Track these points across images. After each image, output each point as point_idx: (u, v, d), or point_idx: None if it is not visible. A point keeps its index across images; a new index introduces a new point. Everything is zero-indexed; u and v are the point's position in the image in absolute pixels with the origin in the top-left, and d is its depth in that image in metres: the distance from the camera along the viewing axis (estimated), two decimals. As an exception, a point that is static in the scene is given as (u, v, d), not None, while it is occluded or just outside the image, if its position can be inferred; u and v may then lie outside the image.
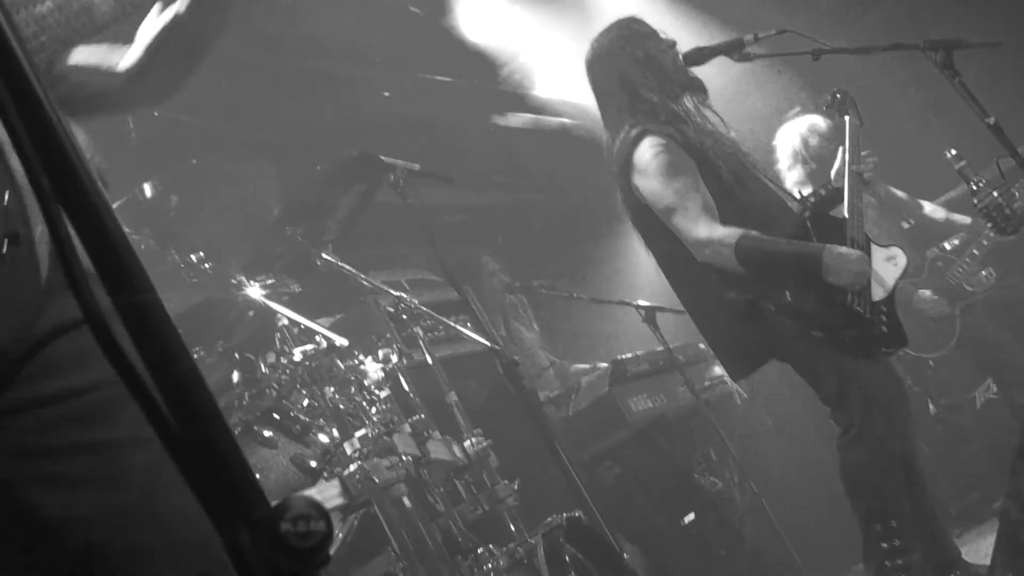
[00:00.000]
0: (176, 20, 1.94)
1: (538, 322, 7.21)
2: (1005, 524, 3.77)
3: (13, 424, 1.53)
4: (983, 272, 5.88)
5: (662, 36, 4.28)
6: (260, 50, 6.16)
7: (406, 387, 4.41)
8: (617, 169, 4.10)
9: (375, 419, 3.72)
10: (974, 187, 5.28)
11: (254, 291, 3.86)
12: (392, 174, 4.58)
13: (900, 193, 6.07)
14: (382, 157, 4.61)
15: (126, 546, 1.55)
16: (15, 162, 1.47)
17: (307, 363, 3.73)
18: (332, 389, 3.75)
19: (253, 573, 0.86)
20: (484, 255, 7.40)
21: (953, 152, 5.41)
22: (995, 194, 5.21)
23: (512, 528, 4.10)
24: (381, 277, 5.25)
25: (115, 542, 1.54)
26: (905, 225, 6.07)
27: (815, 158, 5.87)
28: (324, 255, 4.35)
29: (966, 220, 5.98)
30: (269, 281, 3.96)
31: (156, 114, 4.53)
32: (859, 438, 3.92)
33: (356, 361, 3.89)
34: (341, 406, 3.75)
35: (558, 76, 8.11)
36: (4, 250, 1.47)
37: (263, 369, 3.78)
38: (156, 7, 1.96)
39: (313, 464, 3.61)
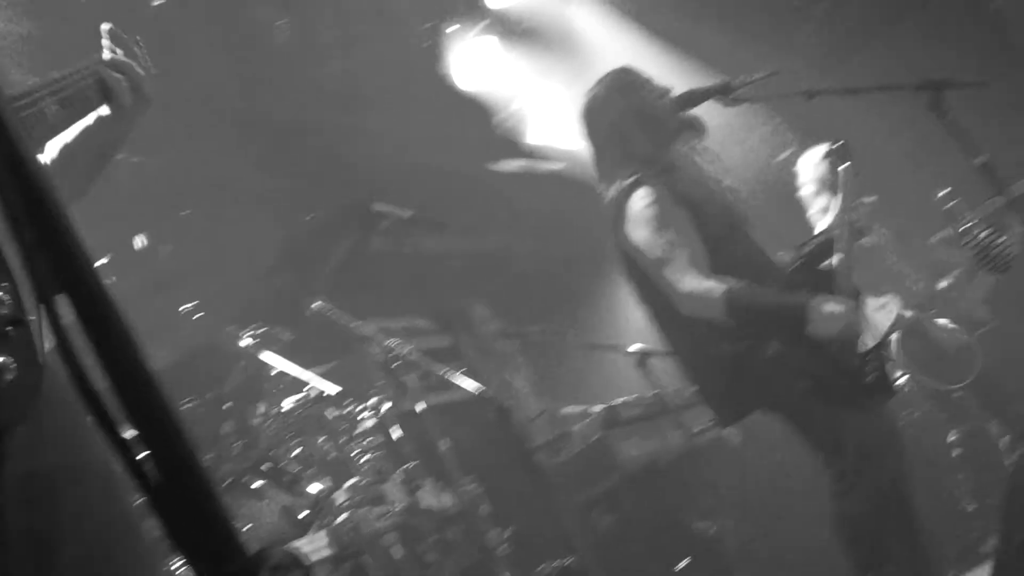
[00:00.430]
0: (99, 122, 2.18)
1: (531, 368, 7.22)
2: (999, 568, 3.76)
3: None
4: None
5: (655, 84, 4.30)
6: (254, 99, 6.21)
7: (398, 435, 4.40)
8: (611, 218, 4.12)
9: (366, 468, 3.71)
10: (962, 227, 5.33)
11: (245, 341, 3.87)
12: (385, 222, 4.61)
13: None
14: (375, 205, 4.64)
15: None
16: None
17: (298, 412, 3.73)
18: (323, 438, 3.75)
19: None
20: (476, 303, 7.41)
21: (944, 192, 5.46)
22: (982, 234, 5.25)
23: (504, 576, 4.08)
24: (373, 325, 5.26)
25: None
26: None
27: (825, 191, 5.90)
28: (316, 303, 4.36)
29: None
30: (261, 330, 3.97)
31: (147, 163, 4.56)
32: (852, 487, 3.91)
33: (347, 410, 3.89)
34: (332, 455, 3.75)
35: (551, 123, 8.16)
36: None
37: (253, 419, 3.78)
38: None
39: (303, 514, 3.60)
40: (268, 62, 6.21)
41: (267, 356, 3.88)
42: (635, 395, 6.06)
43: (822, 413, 3.89)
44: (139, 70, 2.21)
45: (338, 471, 3.72)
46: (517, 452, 4.33)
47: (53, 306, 0.95)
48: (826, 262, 4.11)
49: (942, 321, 5.83)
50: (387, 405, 4.07)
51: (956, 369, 5.77)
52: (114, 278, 3.72)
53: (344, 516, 3.46)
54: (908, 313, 5.76)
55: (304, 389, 3.87)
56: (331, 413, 3.83)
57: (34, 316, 1.48)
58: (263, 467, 3.69)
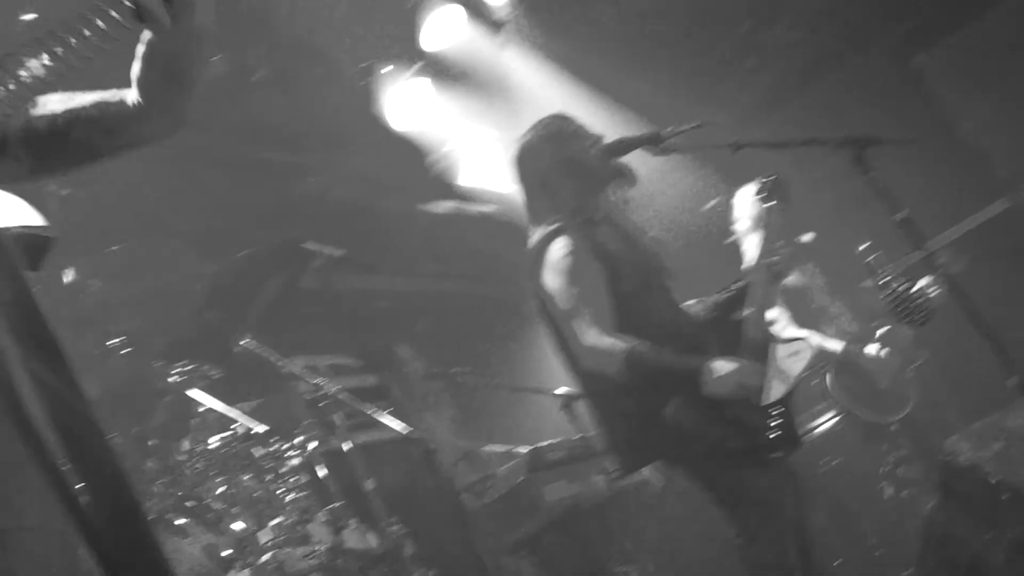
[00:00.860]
0: (149, 46, 2.11)
1: (457, 409, 7.23)
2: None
3: None
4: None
5: (587, 132, 4.34)
6: (188, 134, 6.18)
7: (323, 474, 4.39)
8: (530, 262, 4.15)
9: (291, 507, 3.71)
10: (883, 281, 5.45)
11: (172, 377, 3.85)
12: (315, 261, 4.63)
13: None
14: (306, 244, 4.65)
15: None
16: None
17: (223, 450, 3.72)
18: (248, 476, 3.74)
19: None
20: (404, 343, 7.41)
21: (865, 246, 5.59)
22: (900, 288, 5.38)
23: (427, 618, 4.08)
24: (301, 362, 5.25)
25: None
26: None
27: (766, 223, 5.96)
28: (244, 341, 4.36)
29: None
30: (188, 367, 3.95)
31: (79, 196, 4.53)
32: (753, 541, 3.96)
33: (273, 448, 3.88)
34: (257, 493, 3.73)
35: (483, 165, 8.23)
36: None
37: (177, 456, 3.75)
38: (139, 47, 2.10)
39: (225, 553, 3.58)
40: (201, 97, 6.19)
41: (194, 393, 3.87)
42: (560, 438, 6.10)
43: (718, 472, 3.94)
44: None
45: (263, 510, 3.71)
46: (442, 493, 4.34)
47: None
48: (739, 312, 4.18)
49: (874, 351, 5.87)
50: (313, 444, 4.07)
51: (891, 402, 5.83)
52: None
53: (268, 555, 3.45)
54: (839, 346, 5.81)
55: (230, 427, 3.85)
56: (257, 451, 3.82)
57: None
58: (187, 504, 3.67)
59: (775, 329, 5.78)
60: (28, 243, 1.95)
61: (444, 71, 7.72)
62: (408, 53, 7.49)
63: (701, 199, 8.95)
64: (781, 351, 3.93)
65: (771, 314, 5.70)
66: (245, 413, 4.12)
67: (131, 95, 2.15)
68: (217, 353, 4.36)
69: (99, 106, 2.08)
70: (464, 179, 8.19)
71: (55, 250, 4.45)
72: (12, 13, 4.17)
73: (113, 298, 3.92)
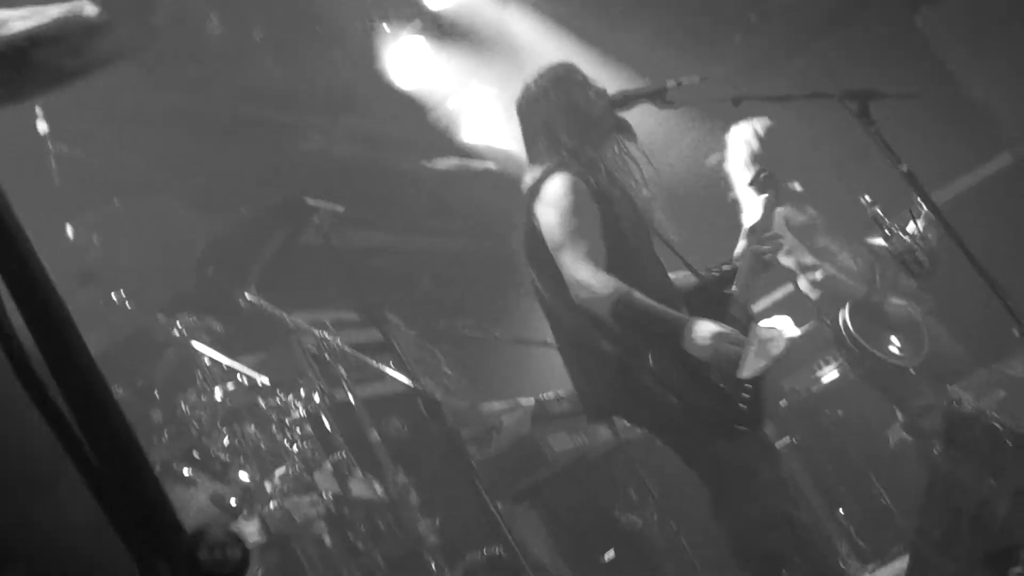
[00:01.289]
0: None
1: (461, 361, 7.23)
2: (916, 562, 3.87)
3: None
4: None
5: (592, 83, 4.33)
6: (185, 94, 6.17)
7: (328, 426, 4.42)
8: (526, 199, 4.14)
9: (296, 457, 3.73)
10: (887, 233, 5.43)
11: (176, 330, 3.86)
12: (317, 216, 4.62)
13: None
14: (306, 200, 4.65)
15: None
16: None
17: (228, 401, 3.73)
18: (253, 427, 3.76)
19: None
20: (407, 297, 7.43)
21: (867, 198, 5.55)
22: (908, 240, 5.36)
23: (433, 566, 4.12)
24: (305, 317, 5.26)
25: None
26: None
27: (760, 162, 5.93)
28: (247, 295, 4.36)
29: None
30: (191, 320, 3.96)
31: (80, 154, 4.53)
32: (729, 504, 4.00)
33: (278, 399, 3.90)
34: (262, 444, 3.75)
35: (485, 122, 8.21)
36: None
37: (183, 407, 3.77)
38: None
39: (233, 502, 3.61)
40: (199, 57, 6.18)
41: (198, 345, 3.88)
42: (563, 390, 6.12)
43: (689, 436, 3.96)
44: None
45: (268, 460, 3.73)
46: (446, 445, 4.36)
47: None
48: (726, 290, 4.19)
49: (895, 295, 5.79)
50: (317, 396, 4.08)
51: (909, 345, 5.72)
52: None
53: (274, 504, 3.47)
54: (854, 284, 5.74)
55: (235, 379, 3.86)
56: (262, 403, 3.83)
57: None
58: (193, 455, 3.70)
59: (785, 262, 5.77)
60: None
61: (446, 28, 7.70)
62: (410, 10, 7.46)
63: (704, 154, 8.92)
64: (761, 332, 3.93)
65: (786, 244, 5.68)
66: (249, 366, 4.13)
67: (89, 6, 1.88)
68: (220, 307, 4.37)
69: (60, 22, 1.88)
70: (466, 135, 8.19)
71: (57, 209, 4.46)
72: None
73: (114, 254, 3.92)
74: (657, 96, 4.16)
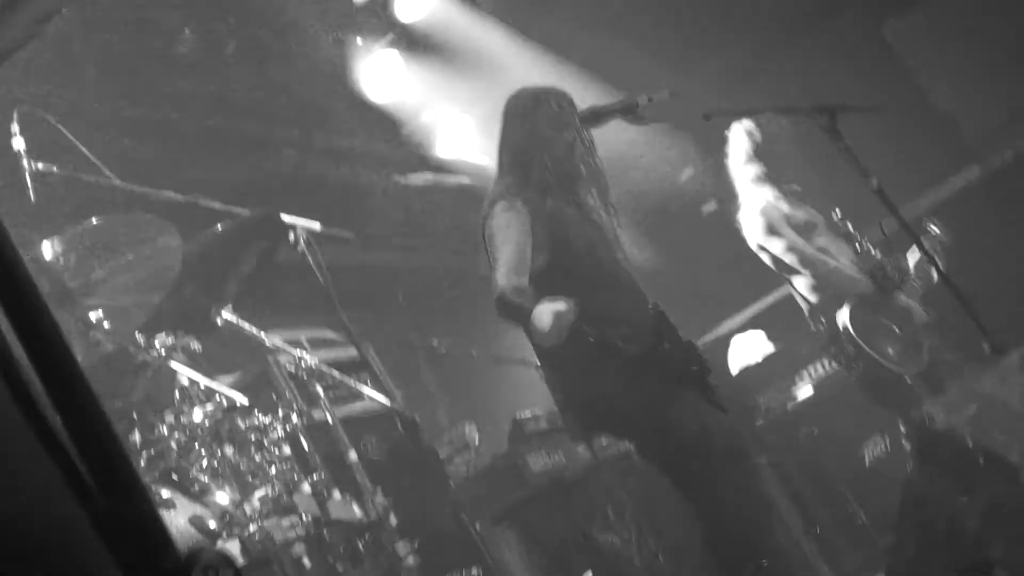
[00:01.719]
0: None
1: (438, 380, 7.25)
2: (892, 577, 3.90)
3: None
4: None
5: (578, 131, 4.37)
6: (162, 108, 6.16)
7: (306, 446, 4.41)
8: (481, 229, 4.26)
9: (275, 479, 3.71)
10: (857, 248, 5.46)
11: (153, 350, 3.84)
12: (292, 233, 4.62)
13: None
14: (282, 216, 4.64)
15: None
16: None
17: (206, 422, 3.72)
18: (232, 448, 3.74)
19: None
20: (383, 315, 7.41)
21: (838, 213, 5.59)
22: (878, 255, 5.40)
23: (412, 588, 4.11)
24: (281, 336, 5.24)
25: None
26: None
27: (762, 156, 5.94)
28: (224, 314, 4.35)
29: None
30: (168, 340, 3.94)
31: (55, 171, 4.50)
32: (711, 496, 4.07)
33: (256, 420, 3.89)
34: (241, 466, 3.74)
35: (459, 136, 8.22)
36: None
37: (162, 428, 3.75)
38: None
39: (212, 525, 3.59)
40: (173, 72, 6.17)
41: (175, 366, 3.86)
42: (540, 408, 6.12)
43: (646, 406, 4.04)
44: None
45: (247, 482, 3.71)
46: (424, 465, 4.36)
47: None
48: None
49: (902, 295, 5.66)
50: (296, 416, 4.07)
51: (908, 351, 5.61)
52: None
53: (253, 527, 3.46)
54: (859, 279, 5.66)
55: (213, 399, 3.85)
56: (240, 423, 3.82)
57: None
58: (172, 477, 3.68)
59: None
60: None
61: (418, 41, 7.71)
62: (383, 24, 7.47)
63: (675, 168, 8.97)
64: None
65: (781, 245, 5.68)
66: (227, 385, 4.11)
67: None
68: (197, 326, 4.35)
69: None
70: (440, 150, 8.19)
71: (32, 227, 4.42)
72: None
73: (91, 273, 3.90)
74: (628, 112, 4.20)
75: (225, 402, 3.79)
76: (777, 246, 5.75)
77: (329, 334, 5.60)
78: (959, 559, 3.68)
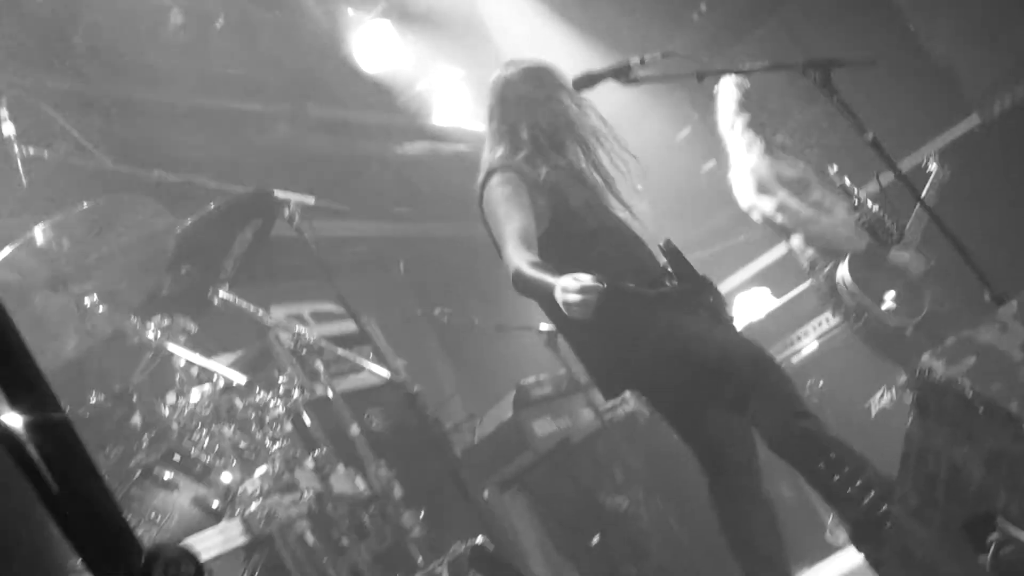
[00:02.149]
0: None
1: (441, 350, 7.25)
2: (895, 529, 3.89)
3: None
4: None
5: (569, 94, 4.38)
6: (152, 87, 6.13)
7: (308, 422, 4.41)
8: (478, 202, 4.27)
9: (277, 456, 3.72)
10: (855, 201, 5.43)
11: (150, 332, 3.84)
12: (287, 209, 4.61)
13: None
14: (276, 192, 4.63)
15: None
16: None
17: (207, 402, 3.72)
18: (233, 427, 3.75)
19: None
20: (383, 286, 7.41)
21: (834, 169, 5.56)
22: (875, 208, 5.37)
23: (418, 559, 4.12)
24: (282, 311, 5.25)
25: None
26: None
27: (751, 105, 5.92)
28: (221, 293, 4.35)
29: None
30: (165, 322, 3.94)
31: (46, 156, 4.50)
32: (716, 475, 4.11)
33: (257, 398, 3.89)
34: (242, 444, 3.75)
35: (455, 103, 8.19)
36: None
37: (162, 410, 3.76)
38: None
39: (215, 504, 3.61)
40: (164, 49, 6.14)
41: (173, 347, 3.86)
42: (545, 374, 6.13)
43: (683, 406, 4.04)
44: None
45: (249, 460, 3.72)
46: (428, 435, 4.37)
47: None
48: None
49: (902, 254, 5.66)
50: (296, 392, 4.08)
51: (909, 302, 5.62)
52: (15, 275, 3.69)
53: (257, 504, 3.47)
54: (855, 238, 5.65)
55: (212, 379, 3.85)
56: (240, 402, 3.82)
57: None
58: (174, 458, 3.69)
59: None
60: None
61: (410, 9, 7.66)
62: (374, -6, 7.43)
63: (673, 128, 8.94)
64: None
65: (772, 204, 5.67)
66: (227, 364, 4.12)
67: None
68: (194, 306, 4.35)
69: None
70: (436, 118, 8.16)
71: (24, 213, 4.42)
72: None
73: (85, 257, 3.89)
74: (621, 74, 4.18)
75: (224, 382, 3.79)
76: (768, 205, 5.74)
77: (329, 307, 5.60)
78: (963, 510, 3.67)
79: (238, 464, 3.66)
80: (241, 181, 4.95)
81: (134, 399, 3.91)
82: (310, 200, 4.71)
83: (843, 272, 5.58)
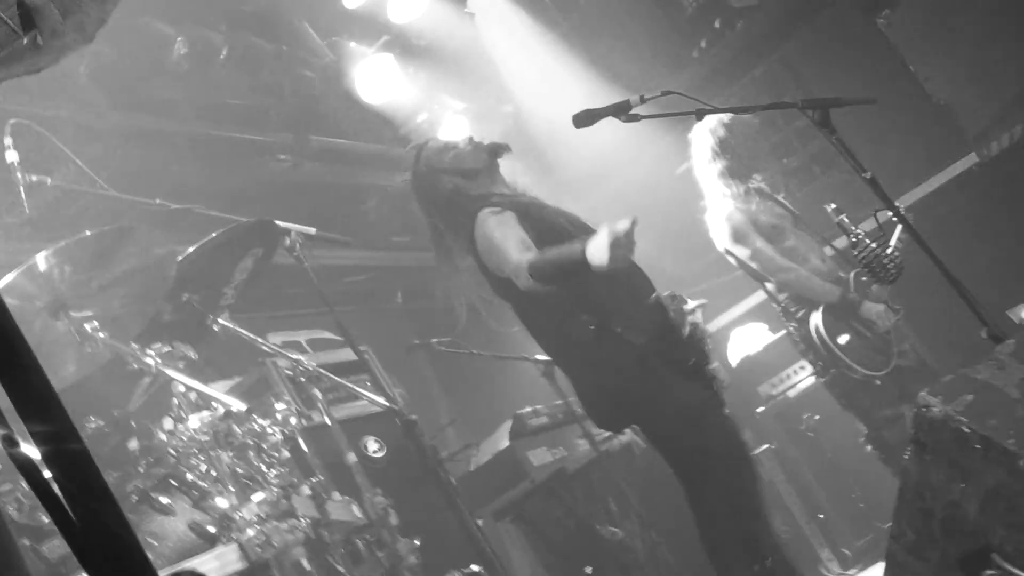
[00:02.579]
0: None
1: (438, 379, 7.24)
2: (891, 566, 3.89)
3: None
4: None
5: (450, 143, 4.56)
6: (154, 115, 6.17)
7: (305, 449, 4.42)
8: (472, 258, 4.35)
9: (274, 482, 3.73)
10: (853, 239, 5.46)
11: (149, 358, 3.86)
12: (287, 238, 4.64)
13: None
14: (277, 222, 4.66)
15: None
16: None
17: (204, 429, 3.73)
18: (230, 453, 3.76)
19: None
20: (381, 315, 7.42)
21: (832, 206, 5.59)
22: (873, 245, 5.39)
23: (414, 586, 4.13)
24: (280, 338, 5.26)
25: None
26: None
27: (726, 151, 5.96)
28: (221, 320, 4.37)
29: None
30: (164, 348, 3.96)
31: (49, 183, 4.52)
32: (710, 493, 4.14)
33: (254, 425, 3.90)
34: (239, 470, 3.75)
35: (455, 136, 8.22)
36: None
37: (160, 436, 3.77)
38: None
39: (211, 529, 3.61)
40: (166, 80, 6.18)
41: (172, 373, 3.88)
42: (542, 404, 6.14)
43: (670, 406, 4.09)
44: None
45: (246, 486, 3.73)
46: (424, 464, 4.37)
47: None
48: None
49: (874, 306, 5.72)
50: (294, 419, 4.09)
51: (878, 354, 5.67)
52: (16, 300, 3.70)
53: (252, 531, 3.47)
54: (827, 289, 5.69)
55: (210, 405, 3.86)
56: (238, 428, 3.83)
57: None
58: (171, 483, 3.70)
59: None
60: None
61: (412, 42, 7.72)
62: (376, 26, 7.48)
63: (671, 165, 8.98)
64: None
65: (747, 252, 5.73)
66: (225, 391, 4.13)
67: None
68: (194, 333, 4.37)
69: None
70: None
71: (27, 239, 4.44)
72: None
73: (86, 284, 3.91)
74: (621, 111, 4.23)
75: (222, 408, 3.80)
76: (743, 253, 5.81)
77: (327, 335, 5.62)
78: (959, 546, 3.67)
79: (235, 490, 3.67)
80: (242, 210, 4.97)
81: (132, 424, 3.92)
82: (311, 231, 4.74)
83: (815, 322, 5.66)
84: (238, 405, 3.79)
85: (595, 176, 8.28)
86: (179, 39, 6.13)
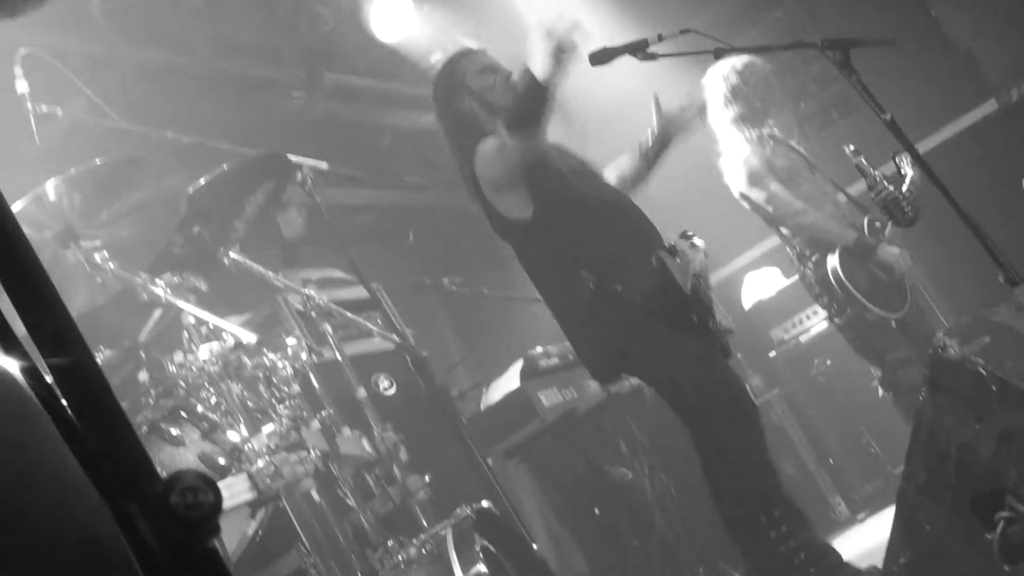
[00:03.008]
0: None
1: (449, 318, 7.24)
2: (902, 507, 3.89)
3: None
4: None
5: (491, 68, 4.48)
6: (167, 50, 6.12)
7: (316, 384, 4.42)
8: (471, 189, 4.32)
9: (284, 415, 3.72)
10: (871, 182, 5.41)
11: (159, 289, 3.84)
12: (299, 172, 4.61)
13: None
14: (289, 156, 4.63)
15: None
16: None
17: (214, 360, 3.72)
18: (240, 386, 3.75)
19: (144, 544, 0.89)
20: (393, 254, 7.41)
21: (851, 147, 5.53)
22: (891, 188, 5.35)
23: (423, 521, 4.14)
24: (290, 275, 5.25)
25: None
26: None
27: (738, 98, 5.91)
28: (232, 254, 4.35)
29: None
30: (175, 279, 3.94)
31: (60, 114, 4.49)
32: (716, 442, 4.13)
33: (265, 358, 3.89)
34: (249, 403, 3.75)
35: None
36: None
37: (170, 367, 3.76)
38: None
39: (222, 461, 3.61)
40: (181, 15, 6.13)
41: (182, 304, 3.86)
42: (553, 345, 6.13)
43: (668, 363, 4.09)
44: None
45: (256, 418, 3.73)
46: (435, 401, 4.37)
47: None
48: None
49: (891, 249, 5.71)
50: (304, 354, 4.08)
51: (894, 296, 5.67)
52: (27, 229, 3.67)
53: (262, 462, 3.47)
54: (844, 232, 5.68)
55: (220, 338, 3.85)
56: (248, 360, 3.82)
57: None
58: (181, 415, 3.69)
59: None
60: None
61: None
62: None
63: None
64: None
65: (763, 196, 5.69)
66: (235, 324, 4.11)
67: None
68: (204, 266, 4.35)
69: None
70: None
71: (37, 171, 4.42)
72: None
73: (96, 213, 3.89)
74: (638, 50, 4.18)
75: (233, 341, 3.79)
76: (759, 196, 5.75)
77: (338, 273, 5.60)
78: (972, 487, 3.67)
79: (245, 422, 3.66)
80: (255, 146, 4.94)
81: (142, 355, 3.92)
82: (323, 165, 4.71)
83: (833, 264, 5.61)
84: (248, 337, 3.77)
85: (610, 116, 8.21)
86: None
